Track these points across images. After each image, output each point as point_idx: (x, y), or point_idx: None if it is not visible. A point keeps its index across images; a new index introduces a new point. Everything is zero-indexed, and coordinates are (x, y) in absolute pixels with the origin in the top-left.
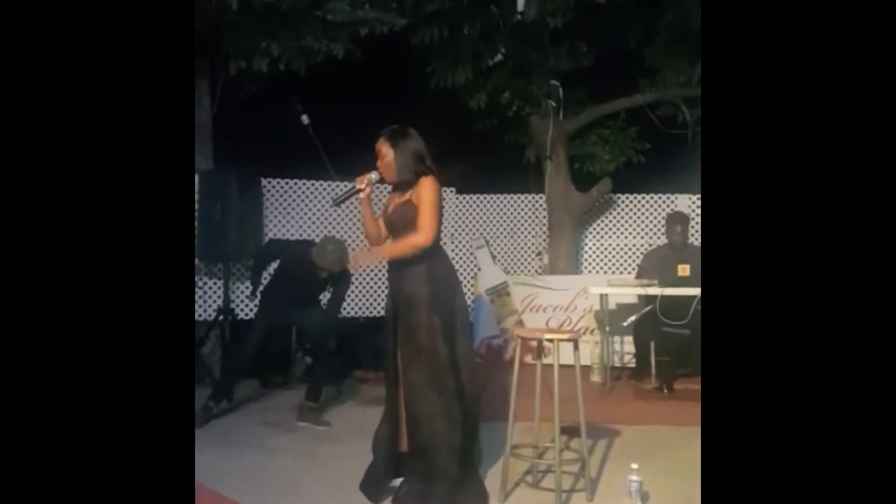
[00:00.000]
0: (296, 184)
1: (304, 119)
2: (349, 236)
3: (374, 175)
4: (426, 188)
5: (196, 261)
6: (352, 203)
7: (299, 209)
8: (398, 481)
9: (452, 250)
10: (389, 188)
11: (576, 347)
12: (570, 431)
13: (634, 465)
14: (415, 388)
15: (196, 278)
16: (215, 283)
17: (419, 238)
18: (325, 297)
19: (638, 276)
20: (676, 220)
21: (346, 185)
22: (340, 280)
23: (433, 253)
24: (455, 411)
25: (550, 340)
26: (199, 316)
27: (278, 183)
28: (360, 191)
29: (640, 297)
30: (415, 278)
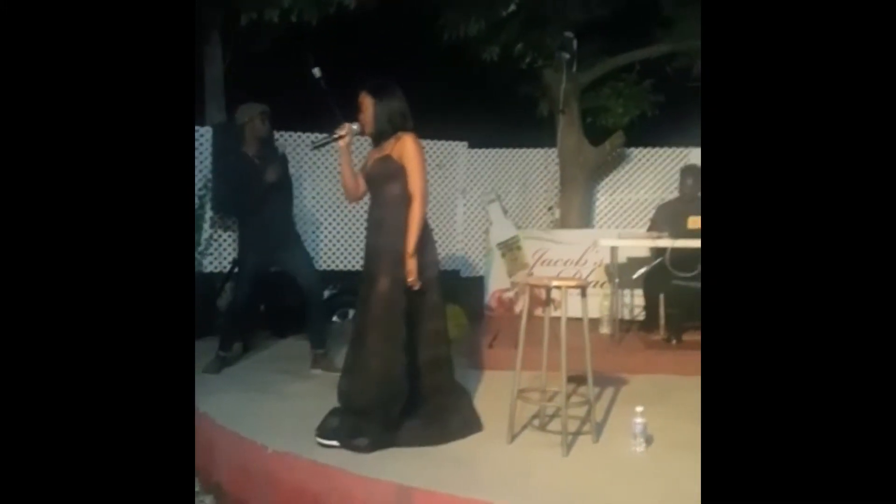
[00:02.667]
0: (308, 136)
1: (316, 72)
2: None
3: (355, 126)
4: (410, 148)
5: (210, 213)
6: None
7: (311, 162)
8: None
9: (464, 204)
10: (370, 146)
11: (583, 296)
12: (578, 380)
13: (639, 408)
14: (367, 337)
15: (211, 230)
16: (230, 236)
17: (417, 207)
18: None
19: (650, 229)
20: (689, 173)
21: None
22: (276, 165)
23: (404, 205)
24: (398, 358)
25: (558, 287)
26: (215, 268)
27: (290, 136)
28: (340, 137)
29: (651, 249)
30: (388, 231)
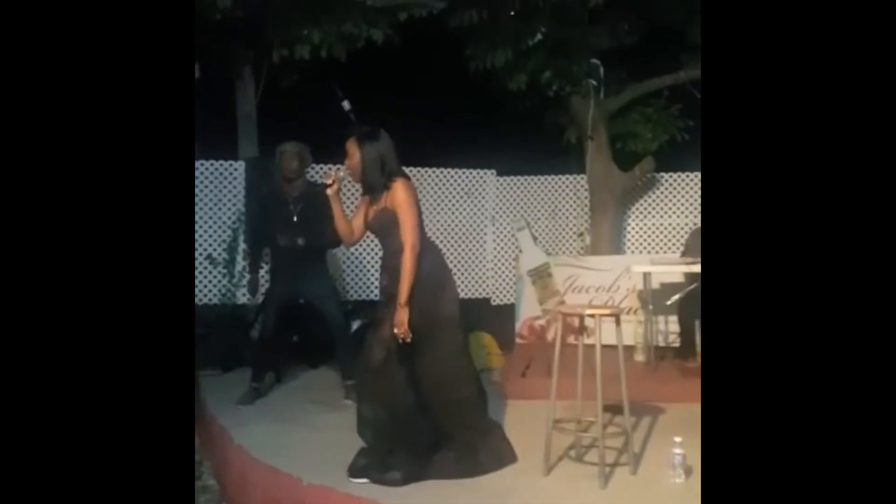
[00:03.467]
0: (338, 168)
1: (346, 105)
2: None
3: (341, 171)
4: (400, 196)
5: (243, 245)
6: None
7: (342, 193)
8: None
9: (494, 232)
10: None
11: (617, 323)
12: (614, 409)
13: (678, 439)
14: (382, 375)
15: (244, 263)
16: (262, 268)
17: (408, 252)
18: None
19: (684, 255)
20: None
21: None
22: (314, 200)
23: (423, 251)
24: (410, 395)
25: (592, 316)
26: (248, 300)
27: (322, 168)
28: (327, 186)
29: (685, 275)
30: (396, 277)
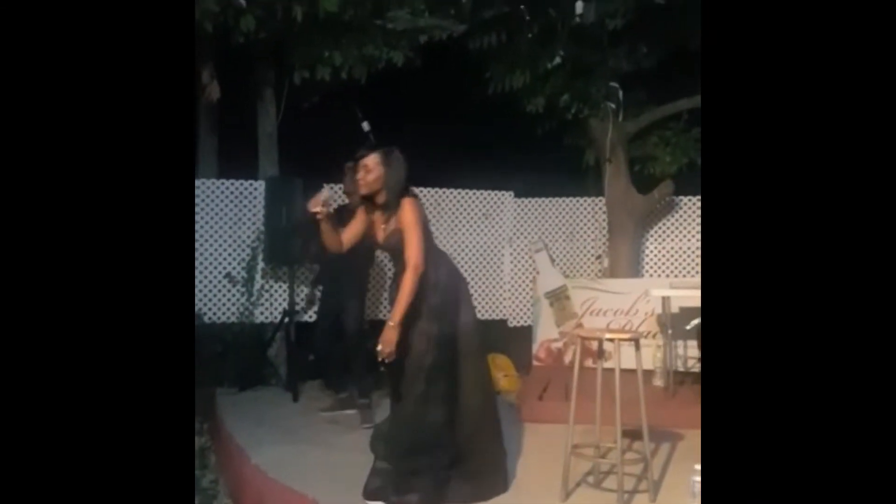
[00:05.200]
0: (321, 191)
1: (365, 126)
2: None
3: (324, 194)
4: (408, 216)
5: (262, 264)
6: None
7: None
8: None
9: (511, 254)
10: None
11: (637, 348)
12: (632, 434)
13: (697, 466)
14: (404, 394)
15: (262, 281)
16: (281, 287)
17: (410, 272)
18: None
19: None
20: None
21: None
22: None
23: (438, 263)
24: (435, 414)
25: (611, 340)
26: (266, 318)
27: (341, 188)
28: (317, 214)
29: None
30: (422, 289)
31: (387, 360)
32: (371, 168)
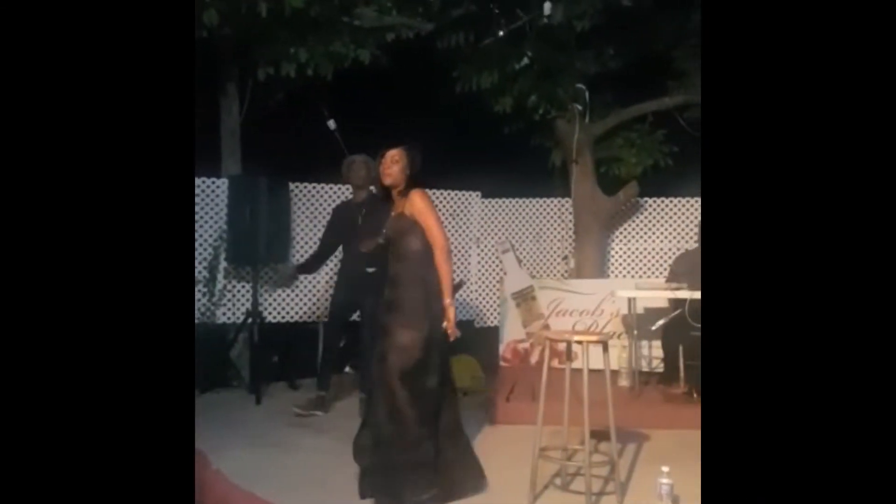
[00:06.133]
0: (323, 188)
1: (331, 124)
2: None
3: (370, 243)
4: (420, 204)
5: (225, 264)
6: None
7: (326, 213)
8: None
9: (478, 254)
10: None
11: (605, 350)
12: (599, 435)
13: (665, 468)
14: (393, 390)
15: (225, 281)
16: (244, 287)
17: (440, 252)
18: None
19: (669, 280)
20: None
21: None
22: (375, 208)
23: (427, 262)
24: (429, 410)
25: (580, 342)
26: (228, 319)
27: (306, 187)
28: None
29: (670, 300)
30: (407, 285)
31: (455, 337)
32: (397, 160)
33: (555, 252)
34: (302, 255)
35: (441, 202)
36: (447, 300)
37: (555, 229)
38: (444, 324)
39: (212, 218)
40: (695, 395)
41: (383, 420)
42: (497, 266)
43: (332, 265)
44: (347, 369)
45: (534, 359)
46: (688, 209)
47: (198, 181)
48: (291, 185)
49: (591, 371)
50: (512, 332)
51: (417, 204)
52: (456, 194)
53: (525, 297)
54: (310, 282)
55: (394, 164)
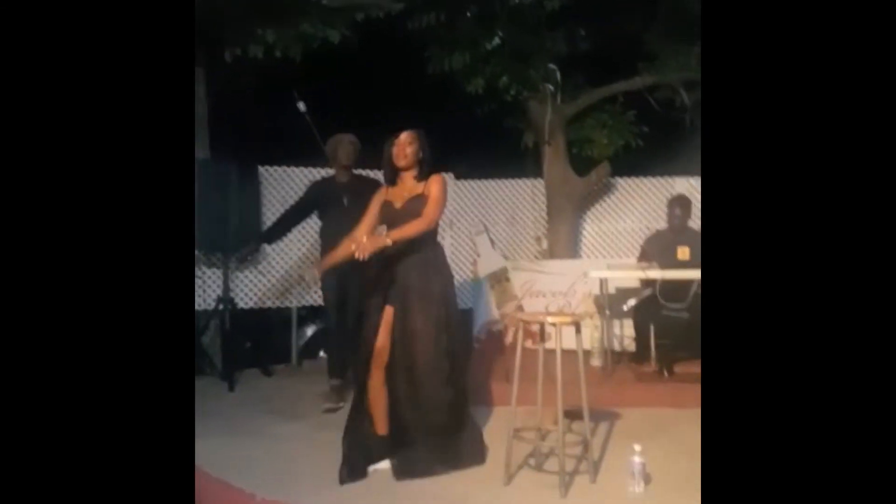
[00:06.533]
0: (293, 171)
1: (301, 106)
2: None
3: (381, 230)
4: (438, 184)
5: (195, 251)
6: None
7: (297, 196)
8: (381, 465)
9: (452, 236)
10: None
11: (578, 331)
12: (572, 415)
13: (637, 447)
14: (416, 376)
15: (195, 268)
16: (214, 273)
17: (422, 222)
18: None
19: (640, 260)
20: (676, 203)
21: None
22: (360, 189)
23: (433, 244)
24: (450, 395)
25: (553, 324)
26: (199, 305)
27: (276, 171)
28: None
29: (642, 280)
30: (420, 267)
31: (357, 257)
32: (410, 142)
33: (528, 233)
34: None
35: None
36: (390, 239)
37: (528, 210)
38: (354, 246)
39: None
40: (665, 374)
41: (404, 391)
42: (471, 248)
43: (305, 250)
44: (322, 354)
45: (508, 340)
46: (658, 188)
47: None
48: (261, 169)
49: (564, 351)
50: (486, 314)
51: (436, 187)
52: None
53: (499, 279)
54: (281, 266)
55: (408, 145)
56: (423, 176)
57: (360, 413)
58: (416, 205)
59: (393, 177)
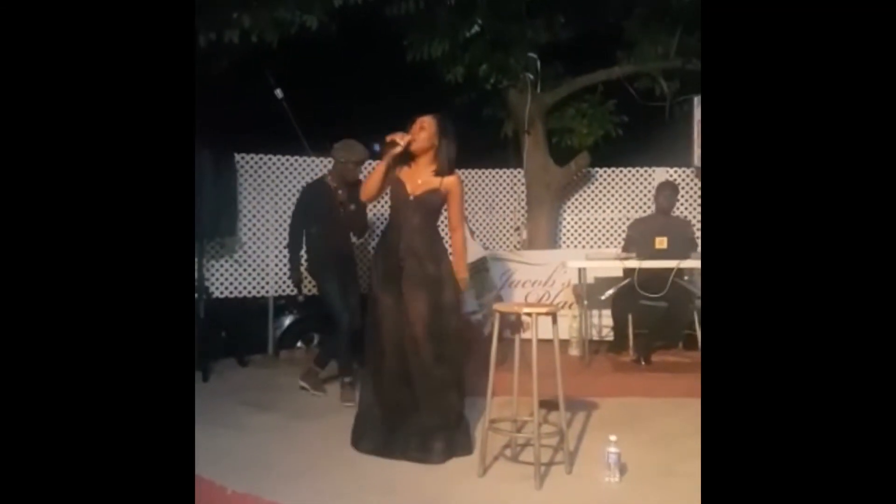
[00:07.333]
0: (270, 159)
1: (278, 93)
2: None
3: (404, 136)
4: (457, 189)
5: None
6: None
7: (274, 185)
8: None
9: None
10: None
11: (554, 321)
12: (549, 405)
13: (613, 438)
14: (435, 360)
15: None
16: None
17: (459, 234)
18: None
19: (625, 247)
20: (664, 189)
21: (321, 161)
22: (354, 190)
23: (437, 235)
24: (458, 378)
25: (529, 315)
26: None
27: (252, 158)
28: (396, 145)
29: (624, 269)
30: (440, 259)
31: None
32: (426, 126)
33: (507, 223)
34: (249, 228)
35: None
36: (465, 274)
37: (507, 200)
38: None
39: None
40: (643, 363)
41: (436, 378)
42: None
43: (281, 238)
44: (299, 344)
45: (487, 330)
46: (637, 178)
47: None
48: (237, 157)
49: (542, 341)
50: (465, 304)
51: (455, 187)
52: None
53: (478, 269)
54: (258, 256)
55: (421, 130)
56: (440, 172)
57: (372, 401)
58: (431, 200)
59: (407, 157)
